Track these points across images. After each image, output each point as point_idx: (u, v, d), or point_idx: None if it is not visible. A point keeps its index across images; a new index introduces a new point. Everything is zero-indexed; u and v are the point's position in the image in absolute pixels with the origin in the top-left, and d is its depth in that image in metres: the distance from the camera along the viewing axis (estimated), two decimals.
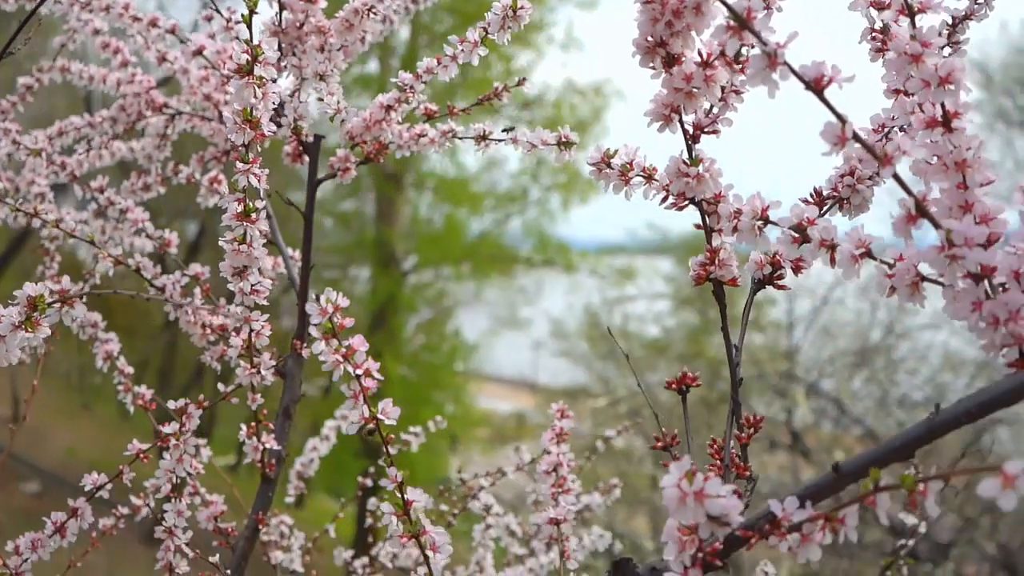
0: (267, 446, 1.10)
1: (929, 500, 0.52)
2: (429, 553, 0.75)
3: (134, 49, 1.32)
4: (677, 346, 10.00)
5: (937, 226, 0.59)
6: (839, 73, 0.58)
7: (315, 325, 0.71)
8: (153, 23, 1.18)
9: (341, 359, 0.72)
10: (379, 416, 0.73)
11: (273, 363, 1.03)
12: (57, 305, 0.75)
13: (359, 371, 0.72)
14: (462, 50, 1.01)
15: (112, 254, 1.09)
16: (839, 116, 0.58)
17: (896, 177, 0.59)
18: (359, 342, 0.73)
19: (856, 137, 0.58)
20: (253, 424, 1.09)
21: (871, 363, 7.35)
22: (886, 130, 0.81)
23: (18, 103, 1.42)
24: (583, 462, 1.77)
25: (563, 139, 0.97)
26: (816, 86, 0.58)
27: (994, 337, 0.59)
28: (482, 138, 1.07)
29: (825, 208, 0.81)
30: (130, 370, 1.20)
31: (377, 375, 0.73)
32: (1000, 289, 0.60)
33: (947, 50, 0.85)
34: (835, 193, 0.80)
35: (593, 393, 9.18)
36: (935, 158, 0.63)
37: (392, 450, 0.76)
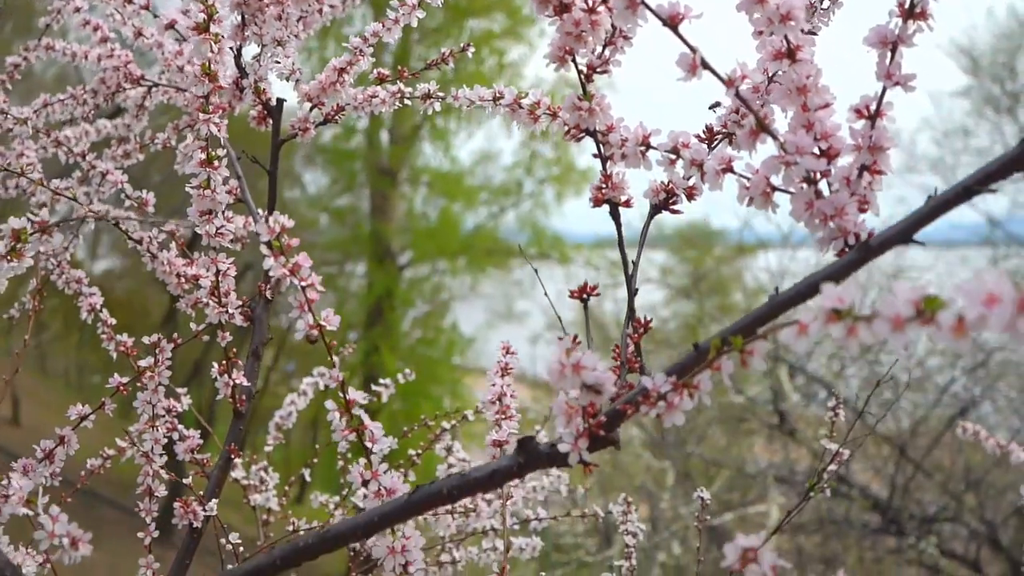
0: (237, 382, 1.20)
1: (756, 359, 0.63)
2: (368, 444, 0.85)
3: (113, 27, 1.43)
4: (672, 335, 10.12)
5: (775, 138, 0.70)
6: (691, 11, 0.69)
7: (264, 243, 0.82)
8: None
9: (288, 273, 0.83)
10: (322, 323, 0.84)
11: (239, 303, 1.14)
12: (37, 235, 0.86)
13: (304, 283, 0.83)
14: (403, 13, 1.13)
15: (92, 209, 1.20)
16: (691, 47, 0.69)
17: (739, 97, 0.70)
18: (304, 259, 0.83)
19: (704, 64, 0.69)
20: (224, 362, 1.19)
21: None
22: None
23: (7, 81, 1.53)
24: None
25: (497, 95, 1.07)
26: (672, 22, 0.69)
27: (824, 232, 0.70)
28: (427, 96, 1.18)
29: (716, 142, 0.91)
30: (113, 321, 1.30)
31: (320, 287, 0.83)
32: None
33: (826, 3, 0.95)
34: (724, 129, 0.91)
35: None
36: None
37: (336, 357, 0.87)
